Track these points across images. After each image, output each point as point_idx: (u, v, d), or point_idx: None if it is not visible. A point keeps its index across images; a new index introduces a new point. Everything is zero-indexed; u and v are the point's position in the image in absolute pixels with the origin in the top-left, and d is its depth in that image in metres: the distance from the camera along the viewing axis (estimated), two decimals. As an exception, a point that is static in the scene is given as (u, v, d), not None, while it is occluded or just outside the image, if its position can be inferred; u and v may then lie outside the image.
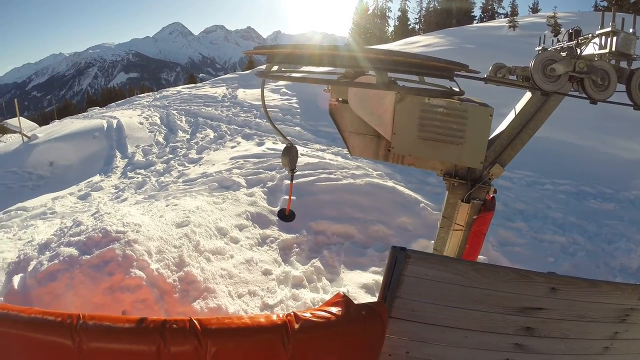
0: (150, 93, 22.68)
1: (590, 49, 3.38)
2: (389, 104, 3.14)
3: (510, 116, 3.64)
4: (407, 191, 7.49)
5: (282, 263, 5.90)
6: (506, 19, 27.00)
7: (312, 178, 7.60)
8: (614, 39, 3.00)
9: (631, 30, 3.04)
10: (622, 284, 3.05)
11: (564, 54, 3.70)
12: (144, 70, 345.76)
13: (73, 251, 4.76)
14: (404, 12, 51.44)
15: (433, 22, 44.10)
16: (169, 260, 4.96)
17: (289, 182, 7.70)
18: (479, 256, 5.94)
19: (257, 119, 13.66)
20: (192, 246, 5.35)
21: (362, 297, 5.11)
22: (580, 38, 3.61)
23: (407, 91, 3.09)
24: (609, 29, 3.05)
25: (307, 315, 2.30)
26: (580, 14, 27.05)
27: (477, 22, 40.28)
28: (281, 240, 6.28)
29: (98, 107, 26.33)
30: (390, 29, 51.59)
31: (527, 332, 2.78)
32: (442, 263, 2.57)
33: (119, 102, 24.33)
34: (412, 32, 44.83)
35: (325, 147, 10.09)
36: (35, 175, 13.26)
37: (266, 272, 5.52)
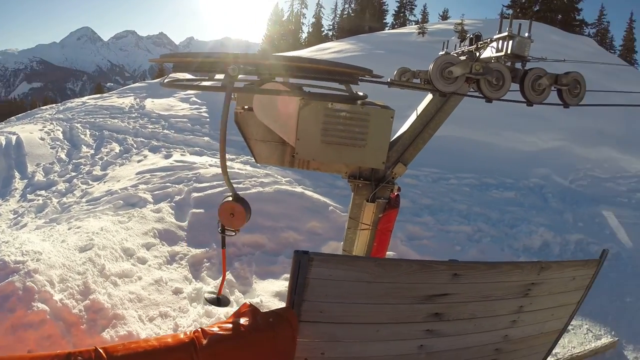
0: (54, 105, 20.94)
1: (488, 52, 3.66)
2: (293, 110, 3.16)
3: (412, 117, 3.81)
4: (315, 196, 7.62)
5: (193, 280, 5.71)
6: (416, 26, 28.33)
7: (220, 189, 7.46)
8: (510, 42, 3.25)
9: (527, 34, 3.32)
10: (521, 263, 3.37)
11: (464, 57, 3.94)
12: (48, 80, 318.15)
13: None
14: (318, 19, 52.37)
15: (346, 29, 45.15)
16: (73, 288, 4.56)
17: (196, 194, 7.46)
18: (388, 252, 6.19)
19: (165, 130, 13.14)
20: (97, 271, 4.98)
21: (276, 305, 5.04)
22: (479, 42, 3.92)
23: (312, 97, 3.11)
24: (506, 33, 3.30)
25: (215, 329, 2.31)
26: (486, 21, 28.78)
27: (389, 29, 41.84)
28: (191, 256, 6.07)
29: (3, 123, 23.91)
30: (304, 35, 52.27)
31: (436, 318, 2.96)
32: (345, 262, 2.64)
33: (19, 115, 22.14)
34: (325, 39, 45.70)
35: (234, 157, 9.94)
36: None
37: (177, 291, 5.30)
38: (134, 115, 15.13)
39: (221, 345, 2.26)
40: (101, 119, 15.08)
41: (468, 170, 11.03)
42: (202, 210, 6.96)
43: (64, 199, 9.13)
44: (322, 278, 2.53)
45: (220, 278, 3.99)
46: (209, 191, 7.48)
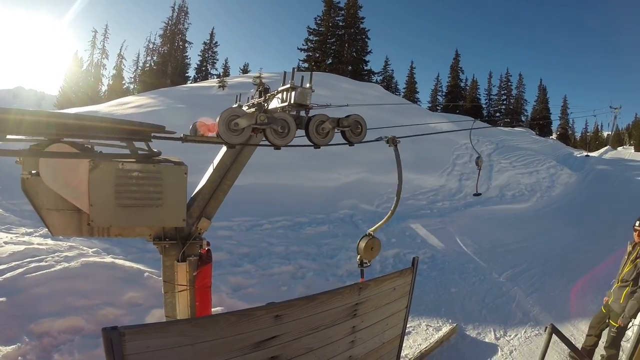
0: None
1: (275, 103, 3.93)
2: (83, 173, 2.92)
3: (209, 170, 3.87)
4: (128, 263, 7.06)
5: None
6: (217, 80, 28.95)
7: (19, 270, 6.31)
8: (292, 93, 3.54)
9: (308, 85, 3.62)
10: (340, 289, 3.60)
11: (252, 109, 4.17)
12: None
13: None
14: (119, 70, 49.88)
15: (148, 82, 44.00)
16: None
17: None
18: (217, 308, 6.07)
19: None
20: None
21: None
22: (267, 95, 4.18)
23: (100, 157, 2.92)
24: (288, 85, 3.59)
25: None
26: (282, 74, 31.12)
27: (191, 82, 41.97)
28: (2, 357, 4.95)
29: None
30: (105, 88, 49.11)
31: (274, 361, 2.94)
32: (160, 330, 2.51)
33: None
34: (127, 92, 43.78)
35: (32, 230, 8.63)
36: None
37: None
38: None
39: None
40: None
41: (280, 213, 11.63)
42: (3, 299, 5.68)
43: None
44: (140, 352, 2.35)
45: None
46: (7, 274, 6.19)
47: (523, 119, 57.12)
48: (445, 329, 6.57)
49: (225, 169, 3.81)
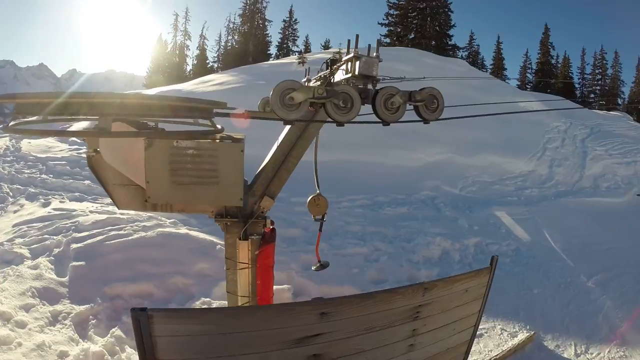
0: None
1: (340, 75, 3.57)
2: (140, 151, 2.88)
3: (274, 148, 3.67)
4: (202, 235, 7.19)
5: (80, 340, 5.04)
6: (297, 56, 29.06)
7: (100, 238, 6.77)
8: (357, 63, 3.14)
9: (374, 54, 3.23)
10: (401, 288, 3.23)
11: (319, 82, 3.90)
12: None
13: None
14: (202, 50, 51.83)
15: (230, 60, 45.26)
16: None
17: (76, 245, 6.65)
18: (285, 286, 5.97)
19: (42, 175, 11.74)
20: None
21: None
22: (334, 66, 3.85)
23: (156, 135, 2.84)
24: (352, 54, 3.20)
25: None
26: (362, 49, 30.84)
27: (272, 60, 42.57)
28: (75, 315, 5.36)
29: None
30: (189, 67, 51.34)
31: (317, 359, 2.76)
32: (189, 317, 2.44)
33: None
34: (211, 71, 45.37)
35: (113, 200, 9.21)
36: None
37: (62, 355, 4.66)
38: (9, 159, 13.38)
39: None
40: None
41: (359, 191, 11.16)
42: (82, 263, 6.20)
43: None
44: (169, 335, 2.30)
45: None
46: (89, 241, 6.71)
47: (619, 101, 51.54)
48: (522, 335, 5.83)
49: (289, 146, 3.62)
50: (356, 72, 3.15)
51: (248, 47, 48.45)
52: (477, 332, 4.19)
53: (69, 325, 5.23)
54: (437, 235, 8.78)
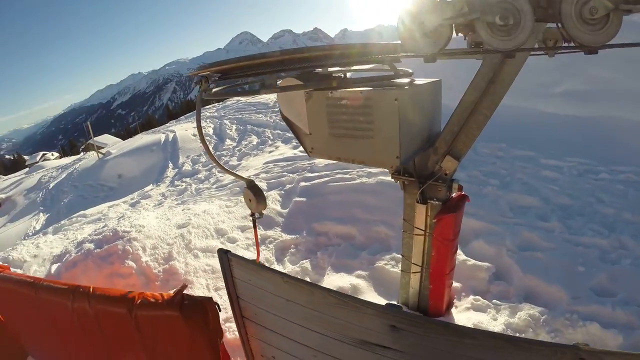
0: (215, 104, 23.74)
1: None
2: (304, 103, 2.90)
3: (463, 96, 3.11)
4: (421, 188, 6.99)
5: (275, 262, 5.84)
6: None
7: (326, 179, 7.39)
8: None
9: None
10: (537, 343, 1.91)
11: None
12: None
13: (91, 246, 5.93)
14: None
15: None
16: (159, 255, 5.74)
17: (304, 184, 7.46)
18: (484, 263, 5.21)
19: None
20: (184, 244, 5.97)
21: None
22: None
23: (316, 85, 2.69)
24: None
25: (149, 296, 2.86)
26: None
27: None
28: (280, 241, 6.20)
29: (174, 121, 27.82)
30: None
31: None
32: (258, 271, 2.41)
33: (187, 114, 25.71)
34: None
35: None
36: (107, 187, 15.00)
37: None
38: (276, 109, 16.09)
39: (147, 308, 2.81)
40: (247, 115, 16.65)
41: (627, 161, 8.29)
42: (304, 199, 6.99)
43: (201, 185, 10.36)
44: (244, 280, 2.39)
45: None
46: (316, 181, 7.47)
47: None
48: None
49: (479, 92, 2.96)
50: None
51: None
52: None
53: (271, 249, 6.09)
54: None
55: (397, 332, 2.08)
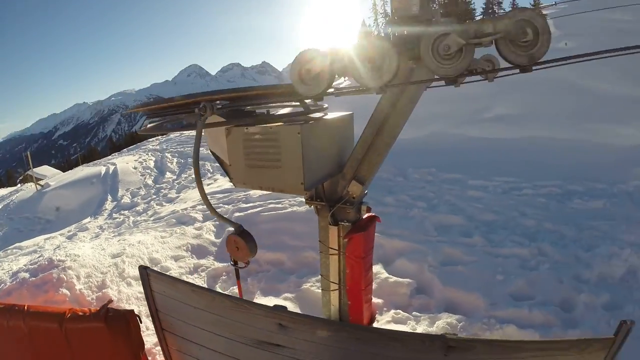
0: (159, 137, 23.61)
1: None
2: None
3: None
4: (349, 215, 7.44)
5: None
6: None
7: (259, 209, 7.78)
8: None
9: None
10: (416, 335, 2.46)
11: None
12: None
13: (26, 275, 6.08)
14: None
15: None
16: (93, 283, 5.98)
17: (238, 214, 7.68)
18: (406, 280, 5.60)
19: None
20: (118, 273, 6.23)
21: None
22: None
23: (237, 123, 3.07)
24: None
25: (78, 310, 3.09)
26: (572, 3, 28.57)
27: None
28: (212, 269, 6.49)
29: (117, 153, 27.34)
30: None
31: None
32: (173, 283, 2.73)
33: (130, 147, 25.41)
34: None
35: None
36: (44, 220, 14.67)
37: None
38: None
39: (72, 322, 3.01)
40: (189, 148, 16.94)
41: (550, 177, 9.05)
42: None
43: (138, 217, 10.40)
44: (160, 293, 2.67)
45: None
46: (250, 211, 7.82)
47: None
48: None
49: (380, 122, 3.08)
50: None
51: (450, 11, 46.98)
52: None
53: (203, 276, 6.38)
54: (630, 246, 6.16)
55: (284, 330, 2.42)
